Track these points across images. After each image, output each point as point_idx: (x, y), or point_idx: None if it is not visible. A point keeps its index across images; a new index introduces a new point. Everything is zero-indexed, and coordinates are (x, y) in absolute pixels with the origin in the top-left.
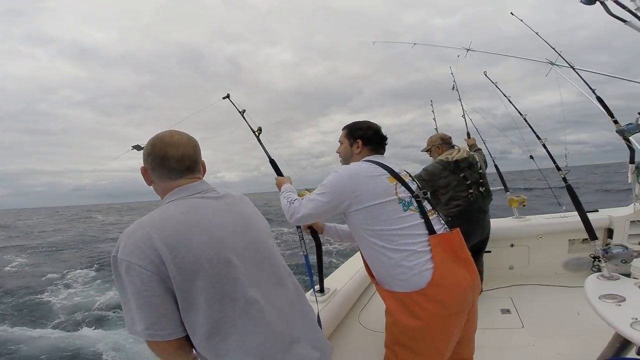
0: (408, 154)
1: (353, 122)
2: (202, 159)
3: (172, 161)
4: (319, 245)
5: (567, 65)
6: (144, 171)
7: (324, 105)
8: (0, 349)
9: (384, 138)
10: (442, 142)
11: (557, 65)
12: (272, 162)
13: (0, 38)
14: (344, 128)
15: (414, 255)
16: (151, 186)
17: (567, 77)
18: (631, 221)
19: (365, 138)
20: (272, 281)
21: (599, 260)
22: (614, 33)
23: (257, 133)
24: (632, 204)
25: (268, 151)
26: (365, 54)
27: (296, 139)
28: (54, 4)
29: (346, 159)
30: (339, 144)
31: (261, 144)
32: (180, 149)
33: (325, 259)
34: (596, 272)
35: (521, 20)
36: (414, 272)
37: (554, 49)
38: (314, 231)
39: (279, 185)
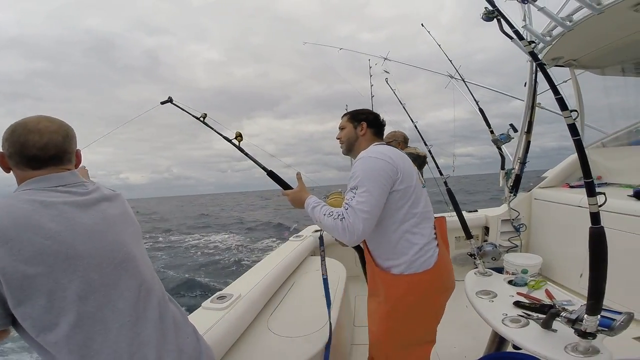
0: (329, 161)
1: (353, 110)
2: (78, 148)
3: (34, 149)
4: (362, 256)
5: (461, 79)
6: (1, 157)
7: (249, 108)
8: None
9: (384, 124)
10: (403, 140)
11: (455, 78)
12: (272, 175)
13: None
14: (344, 115)
15: (431, 237)
16: (9, 173)
17: (461, 90)
18: (502, 220)
19: (369, 120)
20: (126, 288)
21: (475, 257)
22: (505, 59)
23: (237, 141)
24: (503, 205)
25: (259, 161)
26: (297, 60)
27: (216, 141)
28: None
29: (350, 143)
30: (340, 130)
31: (246, 154)
32: (45, 136)
33: (229, 261)
34: (474, 268)
35: (429, 32)
36: (428, 255)
37: (451, 62)
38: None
39: (296, 201)
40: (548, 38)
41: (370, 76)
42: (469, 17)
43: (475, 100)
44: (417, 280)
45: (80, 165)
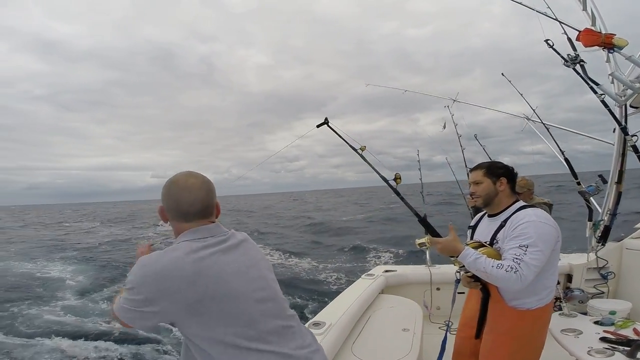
0: (380, 160)
1: (486, 163)
2: (217, 200)
3: (185, 205)
4: (487, 298)
5: (539, 121)
6: (161, 210)
7: (298, 110)
8: None
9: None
10: (528, 189)
11: (532, 120)
12: (424, 221)
13: None
14: (477, 168)
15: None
16: (167, 223)
17: (539, 133)
18: (587, 268)
19: (508, 175)
20: (275, 321)
21: (561, 301)
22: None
23: (395, 183)
24: (588, 254)
25: (411, 206)
26: (340, 61)
27: (269, 142)
28: None
29: (490, 198)
30: (473, 184)
31: (402, 198)
32: (192, 193)
33: (314, 288)
34: (557, 311)
35: (509, 81)
36: (551, 291)
37: (529, 104)
38: (483, 284)
39: (448, 250)
40: (637, 85)
41: (455, 125)
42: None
43: (561, 150)
44: (541, 312)
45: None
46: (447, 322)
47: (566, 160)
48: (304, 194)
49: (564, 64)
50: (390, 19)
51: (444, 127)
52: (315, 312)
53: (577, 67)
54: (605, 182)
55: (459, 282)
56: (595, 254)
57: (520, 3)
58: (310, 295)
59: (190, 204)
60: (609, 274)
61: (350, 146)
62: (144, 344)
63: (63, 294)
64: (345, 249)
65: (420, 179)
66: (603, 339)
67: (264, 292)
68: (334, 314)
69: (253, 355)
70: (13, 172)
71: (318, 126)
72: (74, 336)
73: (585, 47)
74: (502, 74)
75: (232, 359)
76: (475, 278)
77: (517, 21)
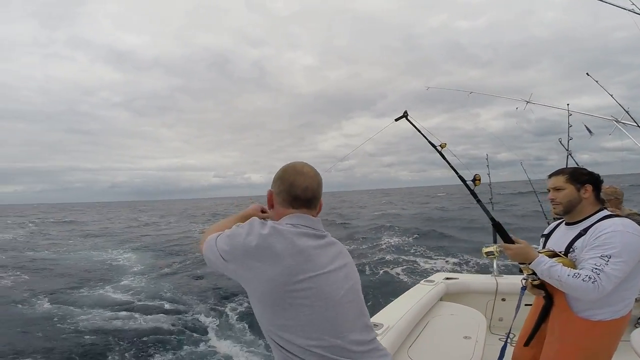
0: (435, 159)
1: (568, 168)
2: (321, 199)
3: (298, 189)
4: (549, 306)
5: (632, 123)
6: (270, 195)
7: (347, 109)
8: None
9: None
10: (616, 198)
11: (622, 122)
12: (498, 226)
13: (45, 42)
14: (558, 174)
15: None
16: (269, 211)
17: (632, 137)
18: None
19: (594, 182)
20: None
21: None
22: None
23: (473, 184)
24: None
25: (487, 209)
26: (387, 57)
27: (320, 142)
28: (90, 8)
29: (572, 205)
30: (553, 190)
31: (479, 200)
32: (307, 179)
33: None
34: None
35: (597, 81)
36: (628, 304)
37: (621, 106)
38: (547, 292)
39: (520, 256)
40: None
41: (569, 139)
42: None
43: None
44: (613, 325)
45: None
46: (507, 333)
47: None
48: (351, 194)
49: None
50: (438, 12)
51: (590, 133)
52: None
53: None
54: None
55: (524, 290)
56: None
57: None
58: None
59: (304, 189)
60: None
61: (430, 142)
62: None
63: (127, 276)
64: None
65: (490, 184)
66: None
67: (353, 303)
68: (392, 317)
69: None
70: (98, 172)
71: (397, 119)
72: (134, 310)
73: None
74: (587, 73)
75: None
76: (541, 286)
77: (583, 9)
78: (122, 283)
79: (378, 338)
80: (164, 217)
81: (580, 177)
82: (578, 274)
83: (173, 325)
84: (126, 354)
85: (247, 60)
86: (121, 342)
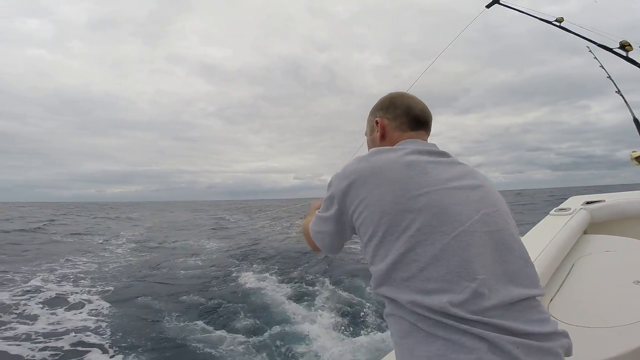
0: (535, 158)
1: None
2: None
3: (416, 109)
4: None
5: None
6: (381, 123)
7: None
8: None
9: None
10: None
11: None
12: None
13: (150, 59)
14: None
15: None
16: (370, 144)
17: None
18: None
19: None
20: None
21: None
22: None
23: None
24: None
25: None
26: (466, 50)
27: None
28: (179, 26)
29: None
30: None
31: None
32: (419, 103)
33: None
34: None
35: None
36: None
37: None
38: None
39: None
40: None
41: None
42: None
43: None
44: None
45: None
46: None
47: None
48: None
49: None
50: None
51: None
52: None
53: None
54: None
55: None
56: None
57: None
58: None
59: (421, 109)
60: None
61: (541, 19)
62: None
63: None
64: None
65: None
66: None
67: (500, 233)
68: None
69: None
70: (198, 174)
71: (487, 6)
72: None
73: None
74: None
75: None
76: None
77: None
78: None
79: None
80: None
81: None
82: None
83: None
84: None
85: (317, 64)
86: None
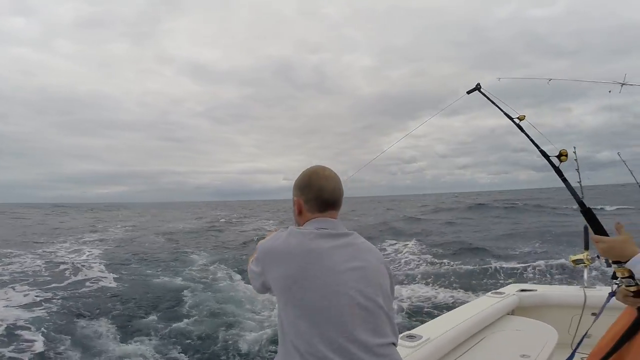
0: (520, 159)
1: None
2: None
3: (326, 193)
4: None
5: None
6: (298, 203)
7: (413, 108)
8: None
9: None
10: None
11: None
12: (589, 213)
13: (138, 58)
14: None
15: None
16: (296, 218)
17: None
18: None
19: None
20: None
21: None
22: None
23: (558, 160)
24: None
25: (578, 194)
26: (454, 52)
27: (384, 144)
28: (168, 26)
29: None
30: None
31: (564, 180)
32: (331, 182)
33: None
34: None
35: None
36: None
37: None
38: None
39: (615, 251)
40: None
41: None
42: None
43: None
44: None
45: None
46: (574, 350)
47: None
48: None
49: None
50: (504, 3)
51: None
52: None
53: None
54: None
55: (613, 296)
56: None
57: None
58: (419, 308)
59: (331, 192)
60: None
61: (506, 114)
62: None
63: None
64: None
65: (579, 181)
66: None
67: (367, 304)
68: (437, 329)
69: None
70: (186, 175)
71: (469, 92)
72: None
73: None
74: None
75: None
76: (638, 294)
77: None
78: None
79: (408, 351)
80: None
81: None
82: None
83: None
84: None
85: (308, 66)
86: None
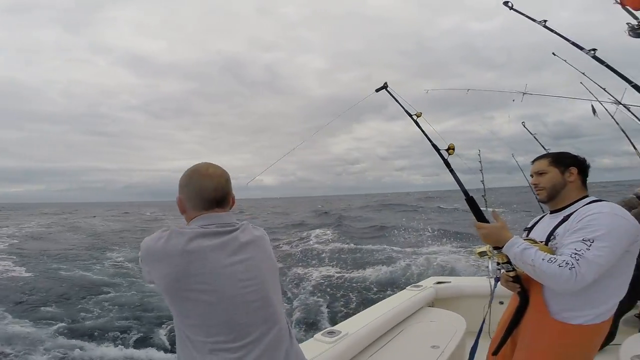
0: (450, 163)
1: (553, 152)
2: (232, 192)
3: (207, 192)
4: (524, 306)
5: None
6: (180, 201)
7: (359, 112)
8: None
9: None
10: None
11: (622, 104)
12: (471, 202)
13: (68, 47)
14: (543, 157)
15: None
16: (183, 215)
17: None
18: None
19: (579, 165)
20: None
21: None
22: None
23: (447, 154)
24: None
25: (463, 184)
26: (399, 60)
27: (331, 145)
28: (110, 14)
29: (556, 190)
30: (536, 175)
31: (452, 170)
32: (214, 180)
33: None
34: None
35: (565, 60)
36: (611, 308)
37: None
38: (523, 288)
39: (492, 237)
40: None
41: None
42: None
43: None
44: (593, 331)
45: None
46: (479, 331)
47: None
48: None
49: (629, 34)
50: (449, 14)
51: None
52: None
53: None
54: None
55: (498, 281)
56: None
57: None
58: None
59: (213, 190)
60: None
61: (406, 111)
62: None
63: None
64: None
65: (482, 180)
66: None
67: (255, 294)
68: (357, 324)
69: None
70: (116, 172)
71: (377, 90)
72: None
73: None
74: (553, 53)
75: (197, 353)
76: (516, 279)
77: (599, 8)
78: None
79: (327, 346)
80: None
81: (564, 159)
82: (554, 258)
83: None
84: None
85: (260, 64)
86: None
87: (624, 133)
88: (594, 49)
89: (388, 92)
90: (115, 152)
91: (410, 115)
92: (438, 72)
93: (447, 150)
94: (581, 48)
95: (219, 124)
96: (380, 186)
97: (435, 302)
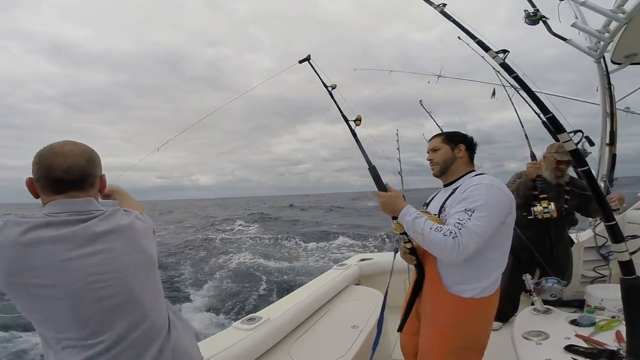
0: (384, 165)
1: (445, 132)
2: (103, 173)
3: (58, 171)
4: (421, 280)
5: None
6: (30, 182)
7: (304, 113)
8: None
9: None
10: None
11: (513, 87)
12: (373, 170)
13: None
14: (438, 136)
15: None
16: (38, 199)
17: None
18: (585, 247)
19: (467, 142)
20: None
21: (531, 295)
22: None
23: (354, 124)
24: (587, 230)
25: (367, 154)
26: (345, 65)
27: (274, 146)
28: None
29: (446, 165)
30: (431, 152)
31: (357, 140)
32: (69, 159)
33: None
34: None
35: (468, 44)
36: (497, 280)
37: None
38: (419, 260)
39: (389, 206)
40: (606, 34)
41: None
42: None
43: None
44: (483, 304)
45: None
46: (384, 299)
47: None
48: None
49: (525, 22)
50: (395, 22)
51: (493, 94)
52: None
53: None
54: (592, 143)
55: (397, 252)
56: (593, 231)
57: None
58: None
59: (65, 170)
60: (610, 253)
61: (323, 83)
62: None
63: None
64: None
65: (399, 158)
66: (568, 348)
67: (111, 289)
68: (280, 309)
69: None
70: (23, 170)
71: (300, 62)
72: None
73: None
74: (459, 36)
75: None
76: (413, 252)
77: (522, 24)
78: None
79: (246, 334)
80: None
81: (455, 137)
82: (440, 227)
83: None
84: None
85: (202, 59)
86: None
87: (519, 120)
88: (444, 4)
89: (310, 64)
90: (23, 147)
91: (326, 87)
92: (378, 78)
93: (354, 121)
94: (432, 4)
95: (149, 119)
96: (322, 186)
97: (360, 279)
